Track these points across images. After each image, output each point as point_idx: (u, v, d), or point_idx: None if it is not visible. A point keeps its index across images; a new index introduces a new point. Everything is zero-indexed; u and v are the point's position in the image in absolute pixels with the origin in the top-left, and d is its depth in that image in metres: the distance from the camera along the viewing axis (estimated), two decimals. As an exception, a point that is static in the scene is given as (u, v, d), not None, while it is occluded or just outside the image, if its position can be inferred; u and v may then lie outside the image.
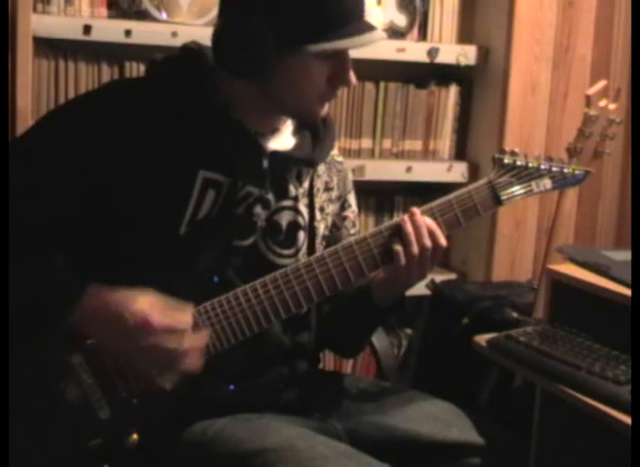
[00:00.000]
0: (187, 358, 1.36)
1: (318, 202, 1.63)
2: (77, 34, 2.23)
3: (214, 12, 2.31)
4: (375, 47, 1.47)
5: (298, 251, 1.58)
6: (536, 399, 1.90)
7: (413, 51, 2.60)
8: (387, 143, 2.68)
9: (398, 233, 1.49)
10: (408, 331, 2.75)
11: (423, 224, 1.48)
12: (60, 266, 1.40)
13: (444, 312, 2.45)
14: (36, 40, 2.20)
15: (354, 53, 1.47)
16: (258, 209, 1.52)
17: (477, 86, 2.77)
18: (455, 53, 2.65)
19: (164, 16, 2.38)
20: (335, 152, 1.69)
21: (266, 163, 1.52)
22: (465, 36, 2.75)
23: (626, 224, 2.83)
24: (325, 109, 1.52)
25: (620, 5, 2.80)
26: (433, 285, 2.52)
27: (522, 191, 1.55)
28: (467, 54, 2.66)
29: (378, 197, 2.75)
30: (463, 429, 1.60)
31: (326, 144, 1.61)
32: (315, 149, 1.58)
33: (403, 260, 1.48)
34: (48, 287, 1.37)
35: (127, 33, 2.26)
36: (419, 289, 2.19)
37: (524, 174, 1.55)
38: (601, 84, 2.02)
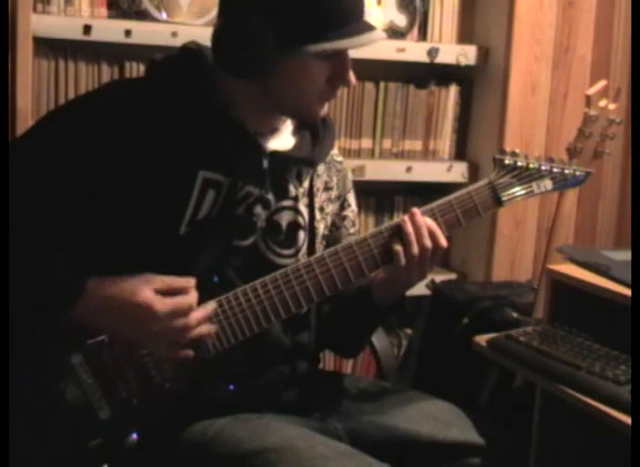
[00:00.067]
0: (197, 330, 1.40)
1: (318, 202, 1.63)
2: (77, 34, 2.23)
3: (214, 12, 2.31)
4: (375, 47, 1.47)
5: (298, 251, 1.58)
6: (536, 399, 1.90)
7: (413, 51, 2.60)
8: (387, 143, 2.68)
9: (398, 233, 1.49)
10: (409, 331, 2.75)
11: (423, 224, 1.48)
12: (60, 265, 1.40)
13: (444, 312, 2.45)
14: (36, 40, 2.20)
15: (354, 53, 1.47)
16: (258, 209, 1.52)
17: (477, 86, 2.77)
18: (455, 53, 2.65)
19: (164, 16, 2.38)
20: (334, 151, 1.69)
21: (265, 163, 1.52)
22: (465, 36, 2.75)
23: (626, 224, 2.83)
24: (325, 109, 1.52)
25: (620, 5, 2.80)
26: (433, 285, 2.52)
27: (523, 192, 1.55)
28: (467, 54, 2.66)
29: (378, 197, 2.75)
30: (463, 429, 1.60)
31: (326, 144, 1.61)
32: (315, 149, 1.58)
33: (403, 260, 1.48)
34: (48, 287, 1.37)
35: (127, 33, 2.26)
36: (419, 289, 2.19)
37: (525, 175, 1.55)
38: (601, 84, 2.02)
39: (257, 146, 1.51)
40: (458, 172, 2.71)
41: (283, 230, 1.56)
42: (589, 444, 1.86)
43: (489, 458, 1.60)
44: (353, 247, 1.48)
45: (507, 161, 1.55)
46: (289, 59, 1.42)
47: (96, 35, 2.24)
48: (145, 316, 1.37)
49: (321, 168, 1.64)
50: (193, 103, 1.47)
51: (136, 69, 2.35)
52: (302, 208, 1.59)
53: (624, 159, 2.86)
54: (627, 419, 1.47)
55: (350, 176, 1.74)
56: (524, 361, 1.68)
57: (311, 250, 1.60)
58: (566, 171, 1.59)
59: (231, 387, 1.49)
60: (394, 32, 2.65)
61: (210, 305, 1.43)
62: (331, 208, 1.67)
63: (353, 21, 1.44)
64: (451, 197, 1.52)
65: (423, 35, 2.72)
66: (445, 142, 2.77)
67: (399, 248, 1.48)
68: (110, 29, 2.26)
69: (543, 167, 1.57)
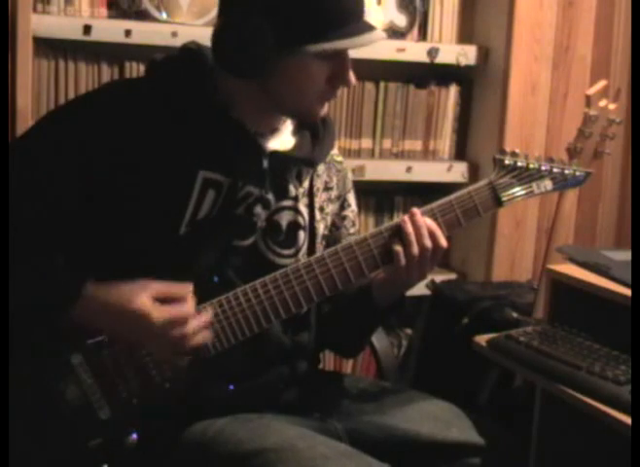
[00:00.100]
0: (194, 339, 1.39)
1: (318, 202, 1.63)
2: (77, 34, 2.23)
3: (214, 12, 2.31)
4: (375, 47, 1.47)
5: (298, 251, 1.58)
6: (536, 399, 1.90)
7: (413, 51, 2.60)
8: (387, 143, 2.68)
9: (398, 233, 1.49)
10: (409, 331, 2.75)
11: (423, 224, 1.48)
12: (60, 266, 1.40)
13: (444, 312, 2.45)
14: (36, 40, 2.20)
15: (354, 53, 1.47)
16: (258, 209, 1.52)
17: (477, 86, 2.77)
18: (455, 53, 2.65)
19: (164, 16, 2.38)
20: (334, 151, 1.69)
21: (265, 163, 1.52)
22: (465, 36, 2.75)
23: (626, 224, 2.83)
24: (325, 109, 1.52)
25: (620, 5, 2.80)
26: (433, 285, 2.52)
27: (523, 192, 1.55)
28: (467, 54, 2.66)
29: (378, 197, 2.75)
30: (463, 429, 1.60)
31: (325, 144, 1.61)
32: (315, 149, 1.58)
33: (403, 260, 1.48)
34: (48, 287, 1.37)
35: (127, 33, 2.26)
36: (419, 289, 2.19)
37: (525, 175, 1.55)
38: (601, 84, 2.02)
39: (257, 146, 1.51)
40: (458, 172, 2.71)
41: (283, 230, 1.56)
42: (589, 444, 1.86)
43: (489, 458, 1.60)
44: (353, 247, 1.48)
45: (507, 162, 1.55)
46: (289, 59, 1.42)
47: (96, 35, 2.24)
48: (142, 324, 1.37)
49: (321, 168, 1.64)
50: (193, 103, 1.47)
51: (136, 69, 2.35)
52: (303, 208, 1.59)
53: (624, 159, 2.86)
54: (627, 419, 1.47)
55: (350, 176, 1.74)
56: (524, 361, 1.68)
57: (311, 250, 1.60)
58: (566, 171, 1.59)
59: (231, 387, 1.49)
60: (394, 32, 2.65)
61: (208, 311, 1.43)
62: (331, 208, 1.67)
63: (353, 21, 1.44)
64: (451, 197, 1.52)
65: (423, 35, 2.72)
66: (445, 142, 2.77)
67: (399, 248, 1.48)
68: (110, 29, 2.26)
69: (543, 167, 1.57)
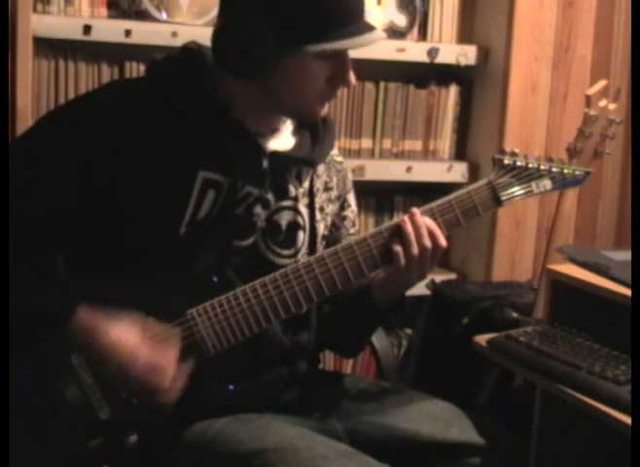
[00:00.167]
0: (166, 395, 1.39)
1: (318, 202, 1.63)
2: (77, 34, 2.23)
3: (214, 12, 2.31)
4: (375, 47, 1.47)
5: (297, 251, 1.58)
6: (536, 399, 1.90)
7: (413, 51, 2.60)
8: (387, 143, 2.68)
9: (398, 233, 1.49)
10: (409, 331, 2.75)
11: (423, 224, 1.48)
12: (60, 266, 1.40)
13: (444, 312, 2.45)
14: (36, 40, 2.20)
15: (354, 53, 1.47)
16: (258, 209, 1.52)
17: (477, 86, 2.77)
18: (455, 53, 2.65)
19: (164, 16, 2.38)
20: (334, 152, 1.69)
21: (265, 163, 1.52)
22: (465, 36, 2.75)
23: (626, 224, 2.83)
24: (325, 109, 1.52)
25: (620, 5, 2.80)
26: (433, 285, 2.52)
27: (522, 191, 1.55)
28: (467, 54, 2.66)
29: (378, 197, 2.75)
30: (463, 429, 1.60)
31: (325, 144, 1.61)
32: (315, 149, 1.58)
33: (403, 260, 1.48)
34: (48, 287, 1.37)
35: (127, 33, 2.26)
36: (419, 289, 2.20)
37: (524, 175, 1.55)
38: (601, 84, 2.02)
39: (257, 146, 1.51)
40: (458, 172, 2.71)
41: (283, 230, 1.56)
42: (589, 444, 1.86)
43: (489, 458, 1.60)
44: (353, 247, 1.48)
45: (506, 161, 1.55)
46: (289, 59, 1.42)
47: (96, 35, 2.24)
48: (125, 366, 1.37)
49: (321, 169, 1.64)
50: (193, 103, 1.47)
51: (136, 69, 2.35)
52: (302, 208, 1.59)
53: (624, 159, 2.86)
54: (627, 419, 1.47)
55: (350, 176, 1.74)
56: (524, 361, 1.68)
57: (311, 250, 1.60)
58: (565, 171, 1.59)
59: (231, 387, 1.49)
60: (394, 32, 2.65)
61: (188, 364, 1.42)
62: (331, 208, 1.67)
63: (353, 21, 1.44)
64: (451, 196, 1.52)
65: (423, 35, 2.72)
66: (445, 142, 2.76)
67: (399, 248, 1.48)
68: (110, 29, 2.26)
69: (542, 167, 1.57)
